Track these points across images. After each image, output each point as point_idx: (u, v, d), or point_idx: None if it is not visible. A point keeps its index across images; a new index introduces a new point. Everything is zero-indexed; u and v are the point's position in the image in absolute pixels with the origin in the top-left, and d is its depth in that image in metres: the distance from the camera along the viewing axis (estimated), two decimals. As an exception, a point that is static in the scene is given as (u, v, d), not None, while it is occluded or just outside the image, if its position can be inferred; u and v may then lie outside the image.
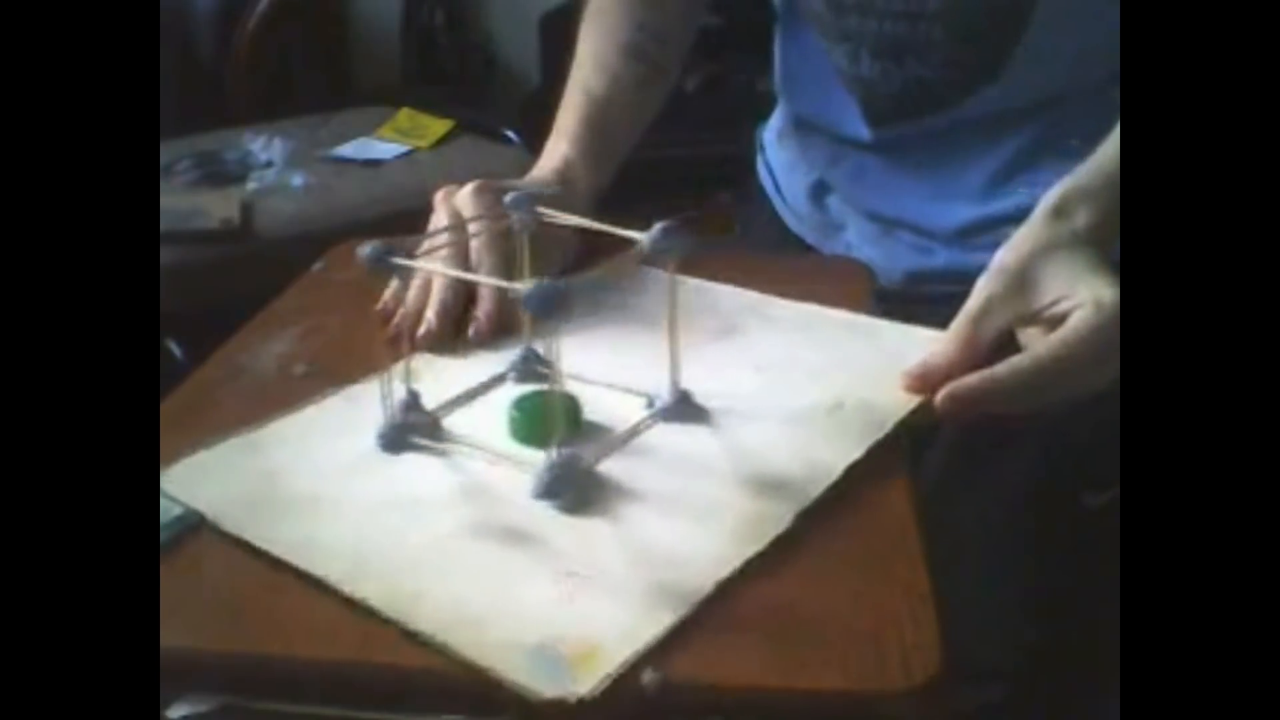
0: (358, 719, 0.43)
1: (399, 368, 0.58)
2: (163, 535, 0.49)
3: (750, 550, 0.47)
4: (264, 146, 2.23)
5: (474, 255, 0.68)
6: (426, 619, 0.44)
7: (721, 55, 2.52)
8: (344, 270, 0.76)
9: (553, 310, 0.49)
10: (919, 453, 0.59)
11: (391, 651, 0.43)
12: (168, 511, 0.50)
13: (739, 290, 0.72)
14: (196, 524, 0.50)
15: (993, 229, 0.80)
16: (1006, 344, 0.59)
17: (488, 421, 0.58)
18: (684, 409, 0.58)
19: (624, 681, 0.41)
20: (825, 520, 0.50)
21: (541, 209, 0.62)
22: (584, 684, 0.41)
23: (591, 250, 0.71)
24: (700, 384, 0.59)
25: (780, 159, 0.97)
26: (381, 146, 2.32)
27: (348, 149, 2.31)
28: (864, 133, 0.85)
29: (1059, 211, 0.61)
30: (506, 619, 0.44)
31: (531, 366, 0.62)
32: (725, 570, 0.46)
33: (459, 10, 3.11)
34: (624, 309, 0.68)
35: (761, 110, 1.03)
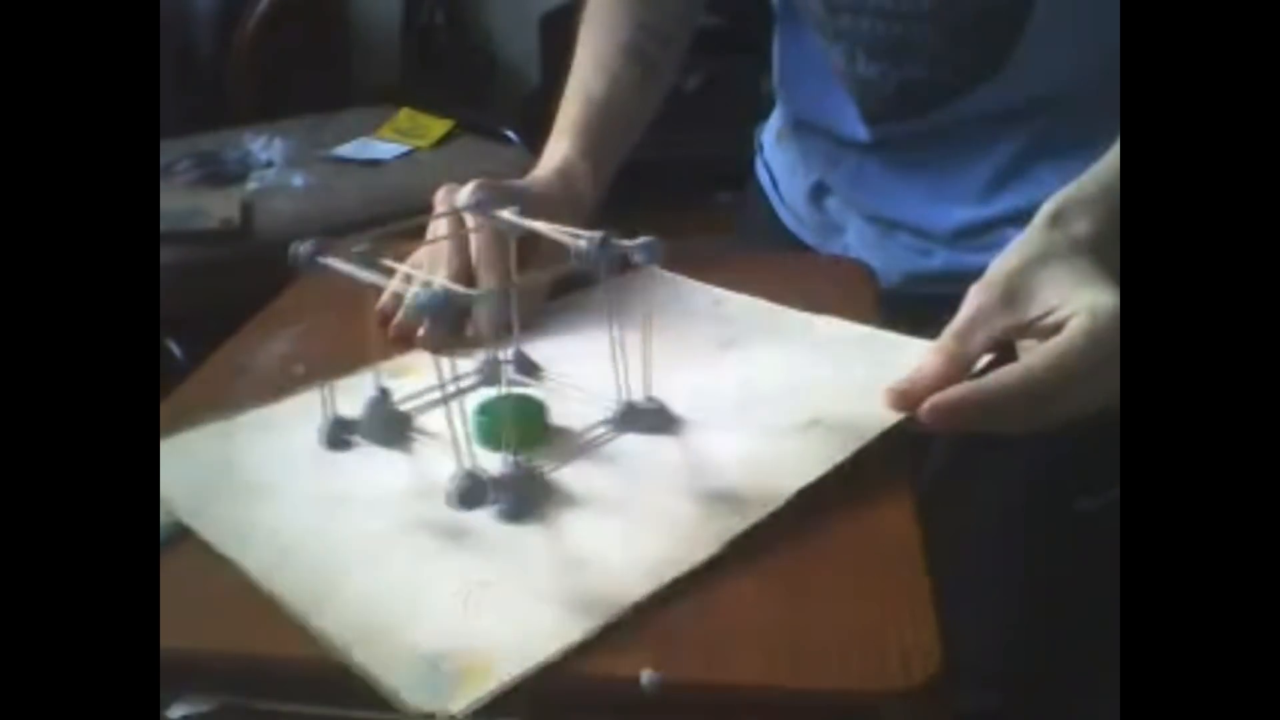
0: (357, 719, 0.43)
1: (375, 366, 0.57)
2: (163, 535, 0.49)
3: (684, 565, 0.46)
4: (264, 146, 2.24)
5: (475, 254, 0.68)
6: (332, 619, 0.44)
7: (721, 55, 2.52)
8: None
9: (441, 316, 0.48)
10: (919, 454, 0.59)
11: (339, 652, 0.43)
12: (168, 511, 0.50)
13: (755, 300, 0.71)
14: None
15: (991, 230, 0.80)
16: (1006, 361, 0.57)
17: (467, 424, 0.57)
18: (653, 418, 0.57)
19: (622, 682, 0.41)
20: (825, 521, 0.50)
21: (506, 214, 0.60)
22: (459, 702, 0.40)
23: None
24: (685, 393, 0.58)
25: (779, 160, 0.97)
26: (381, 146, 2.33)
27: (348, 149, 2.31)
28: (862, 133, 0.85)
29: (1056, 220, 0.59)
30: (410, 626, 0.44)
31: (500, 369, 0.60)
32: (653, 584, 0.45)
33: (459, 10, 3.12)
34: (621, 313, 0.68)
35: (761, 110, 1.03)
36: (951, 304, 0.59)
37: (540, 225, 0.58)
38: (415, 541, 0.49)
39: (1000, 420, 0.53)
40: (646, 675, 0.41)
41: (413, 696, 0.40)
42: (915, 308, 0.67)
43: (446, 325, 0.49)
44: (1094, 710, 0.75)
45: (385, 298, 0.68)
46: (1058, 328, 0.54)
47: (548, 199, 0.73)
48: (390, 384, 0.57)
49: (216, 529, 0.49)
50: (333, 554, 0.48)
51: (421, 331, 0.65)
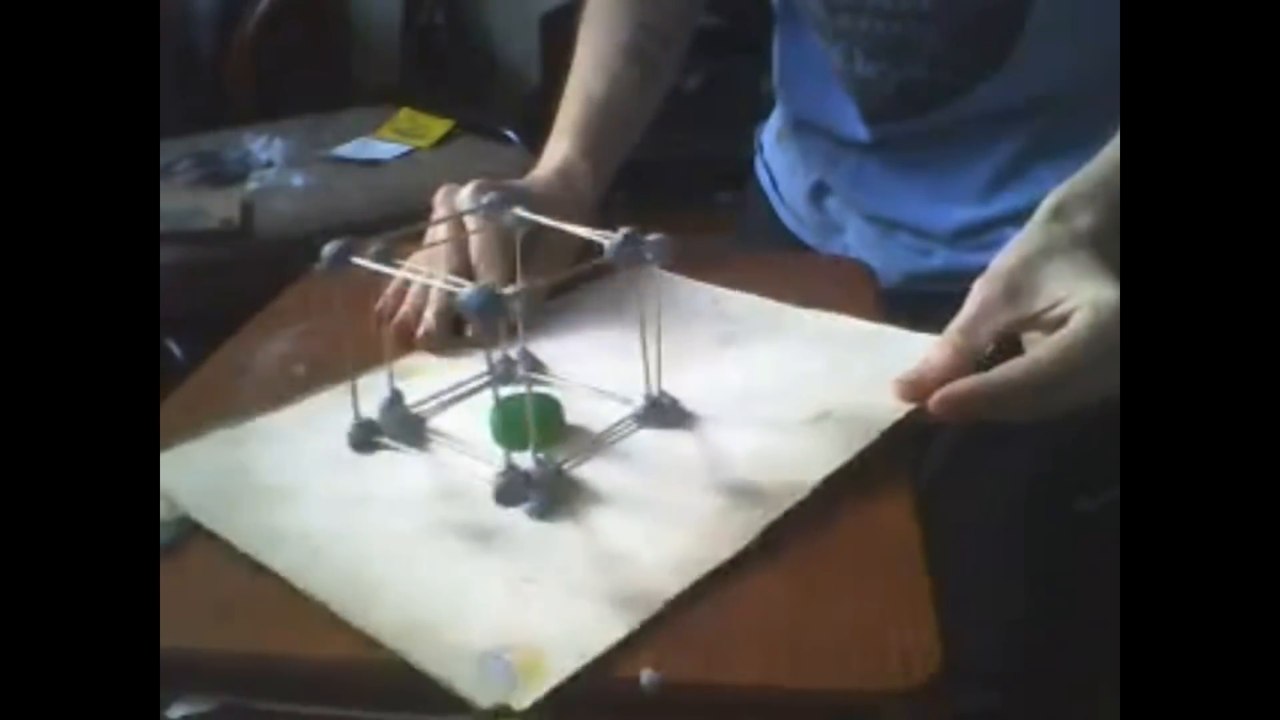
0: (357, 719, 0.43)
1: (384, 367, 0.57)
2: (162, 535, 0.49)
3: (711, 563, 0.47)
4: (264, 146, 2.24)
5: (475, 254, 0.68)
6: (378, 619, 0.44)
7: (721, 55, 2.52)
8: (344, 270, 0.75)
9: (490, 314, 0.48)
10: (918, 453, 0.59)
11: (391, 651, 0.43)
12: (168, 512, 0.50)
13: (754, 298, 0.71)
14: (195, 524, 0.50)
15: (991, 230, 0.80)
16: (1011, 351, 0.58)
17: (478, 423, 0.57)
18: (666, 414, 0.57)
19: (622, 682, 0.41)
20: (825, 521, 0.50)
21: (521, 212, 0.61)
22: (527, 695, 0.40)
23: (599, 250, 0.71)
24: (692, 390, 0.58)
25: (779, 160, 0.97)
26: (381, 146, 2.33)
27: (348, 149, 2.31)
28: (862, 133, 0.85)
29: (1058, 214, 0.60)
30: (458, 624, 0.44)
31: (515, 369, 0.61)
32: (683, 582, 0.46)
33: (459, 10, 3.11)
34: (622, 312, 0.68)
35: (761, 110, 1.03)
36: (952, 303, 0.60)
37: (564, 225, 0.59)
38: (446, 541, 0.49)
39: (1007, 411, 0.55)
40: (646, 675, 0.41)
41: (477, 692, 0.40)
42: (915, 307, 0.67)
43: (493, 323, 0.49)
44: (1094, 710, 0.76)
45: (386, 296, 0.68)
46: (1062, 321, 0.56)
47: (549, 199, 0.73)
48: (399, 385, 0.57)
49: (243, 533, 0.49)
50: (366, 555, 0.48)
51: (421, 332, 0.65)
